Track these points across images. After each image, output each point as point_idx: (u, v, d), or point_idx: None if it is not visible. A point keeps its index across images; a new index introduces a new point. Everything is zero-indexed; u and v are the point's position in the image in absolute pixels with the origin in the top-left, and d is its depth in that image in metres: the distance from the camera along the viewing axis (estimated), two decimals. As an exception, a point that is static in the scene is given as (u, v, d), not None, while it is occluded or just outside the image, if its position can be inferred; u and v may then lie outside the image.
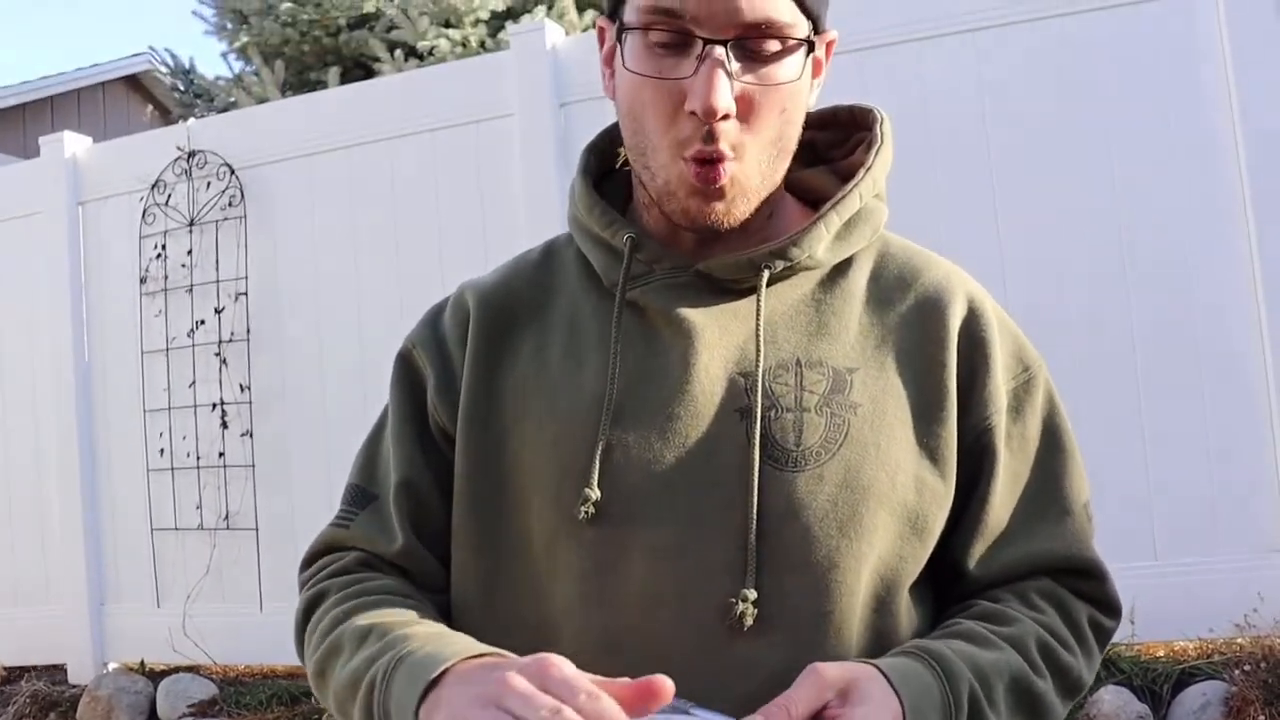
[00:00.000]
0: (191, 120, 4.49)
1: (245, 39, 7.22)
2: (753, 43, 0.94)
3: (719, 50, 0.92)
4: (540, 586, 1.00)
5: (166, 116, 10.23)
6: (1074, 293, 3.09)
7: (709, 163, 0.95)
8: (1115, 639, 2.76)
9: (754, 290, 1.01)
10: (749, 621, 0.93)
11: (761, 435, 0.96)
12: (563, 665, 0.78)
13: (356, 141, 3.90)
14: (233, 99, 7.22)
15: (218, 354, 3.92)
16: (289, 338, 3.91)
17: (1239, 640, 2.86)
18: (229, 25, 7.52)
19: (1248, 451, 2.98)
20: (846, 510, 0.96)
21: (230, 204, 4.00)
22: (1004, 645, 0.97)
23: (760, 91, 0.95)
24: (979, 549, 1.04)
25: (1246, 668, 2.71)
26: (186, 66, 8.23)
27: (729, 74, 0.93)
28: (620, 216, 1.05)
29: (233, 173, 4.01)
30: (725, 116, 0.93)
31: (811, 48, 0.97)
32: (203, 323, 3.96)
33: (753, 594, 0.93)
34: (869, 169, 1.05)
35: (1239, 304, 3.00)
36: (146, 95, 11.03)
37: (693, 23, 0.93)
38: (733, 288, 1.02)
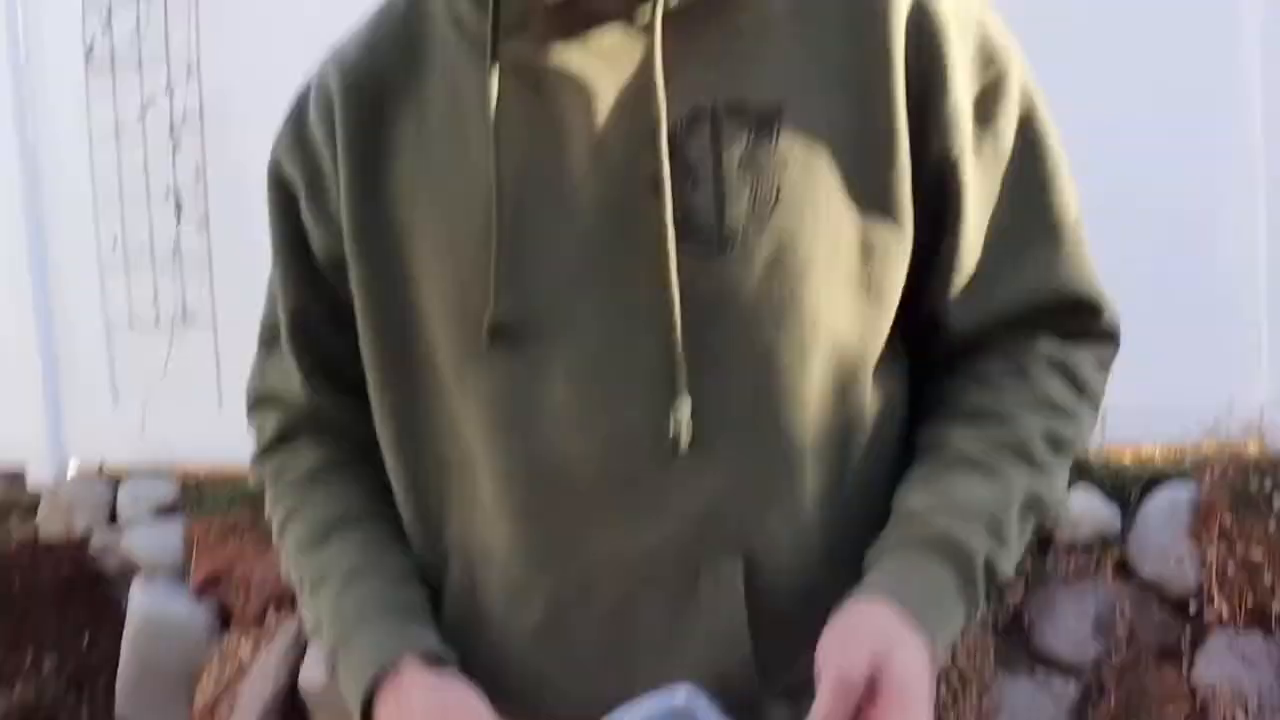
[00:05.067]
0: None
1: None
2: None
3: None
4: (455, 420, 0.93)
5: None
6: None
7: None
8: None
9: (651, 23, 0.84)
10: (685, 439, 0.85)
11: (678, 216, 0.83)
12: None
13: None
14: None
15: (170, 137, 3.69)
16: (245, 117, 3.61)
17: (1202, 446, 2.86)
18: None
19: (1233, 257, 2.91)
20: (783, 294, 0.85)
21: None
22: (1009, 468, 0.89)
23: None
24: (957, 296, 0.92)
25: (1215, 471, 2.72)
26: None
27: None
28: None
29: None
30: None
31: None
32: (153, 103, 3.70)
33: (686, 408, 0.85)
34: None
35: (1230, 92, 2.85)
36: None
37: None
38: (629, 22, 0.85)
